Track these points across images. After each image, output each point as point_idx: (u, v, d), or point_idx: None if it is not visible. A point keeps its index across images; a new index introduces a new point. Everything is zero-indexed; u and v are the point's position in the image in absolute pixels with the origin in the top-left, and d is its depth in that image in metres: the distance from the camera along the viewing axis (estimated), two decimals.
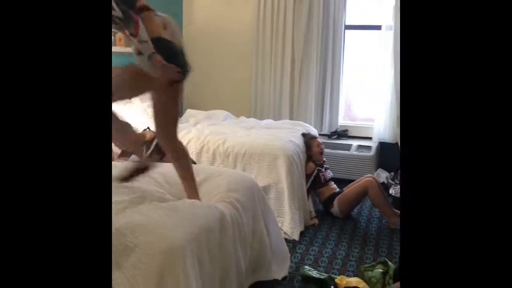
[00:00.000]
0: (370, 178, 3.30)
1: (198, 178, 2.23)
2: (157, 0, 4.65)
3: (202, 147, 3.35)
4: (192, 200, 1.98)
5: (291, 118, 4.53)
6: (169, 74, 1.82)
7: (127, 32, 1.87)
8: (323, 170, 3.44)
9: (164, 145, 2.09)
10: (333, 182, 3.48)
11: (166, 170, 2.30)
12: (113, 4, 1.76)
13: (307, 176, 3.34)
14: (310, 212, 3.28)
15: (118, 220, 1.64)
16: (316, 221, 3.25)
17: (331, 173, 3.54)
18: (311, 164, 3.40)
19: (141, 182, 2.06)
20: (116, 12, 1.78)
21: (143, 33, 1.81)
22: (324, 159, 3.54)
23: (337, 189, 3.43)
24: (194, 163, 2.93)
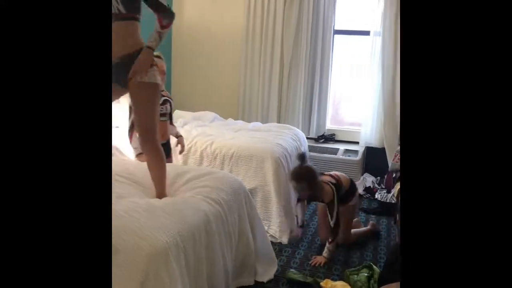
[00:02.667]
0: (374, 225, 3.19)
1: (184, 177, 2.22)
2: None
3: (190, 148, 3.34)
4: (174, 198, 1.96)
5: (278, 121, 4.54)
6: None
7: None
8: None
9: (142, 144, 2.08)
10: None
11: (133, 168, 2.30)
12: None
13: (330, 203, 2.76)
14: (296, 217, 3.01)
15: None
16: (299, 232, 2.97)
17: None
18: (329, 189, 2.77)
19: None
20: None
21: None
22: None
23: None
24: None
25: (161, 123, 2.74)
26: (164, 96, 2.80)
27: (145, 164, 2.11)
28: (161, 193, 2.05)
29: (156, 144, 2.04)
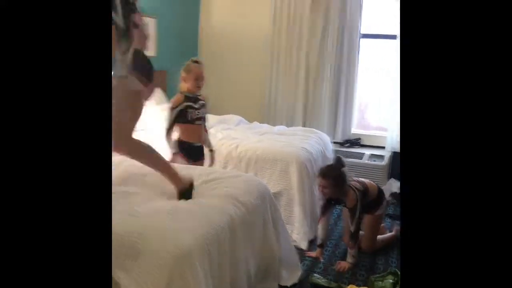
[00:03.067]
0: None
1: (210, 179, 2.24)
2: (176, 5, 4.72)
3: (215, 151, 3.36)
4: (199, 200, 1.96)
5: (304, 125, 4.52)
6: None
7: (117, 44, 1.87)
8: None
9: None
10: None
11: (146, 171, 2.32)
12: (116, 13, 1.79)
13: (353, 209, 2.74)
14: (315, 237, 2.88)
15: (126, 222, 1.65)
16: (318, 254, 2.77)
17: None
18: (353, 194, 2.75)
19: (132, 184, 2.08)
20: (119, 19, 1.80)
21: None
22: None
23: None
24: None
25: (197, 127, 2.78)
26: (201, 100, 2.83)
27: (185, 166, 2.10)
28: (176, 181, 2.00)
29: (130, 137, 1.99)
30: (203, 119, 2.88)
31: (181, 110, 2.72)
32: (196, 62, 2.77)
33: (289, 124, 4.56)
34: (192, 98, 2.76)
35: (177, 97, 2.77)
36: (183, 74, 2.77)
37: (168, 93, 4.53)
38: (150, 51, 4.25)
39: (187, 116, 2.74)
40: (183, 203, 1.92)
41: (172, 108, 2.73)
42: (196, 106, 2.77)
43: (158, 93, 4.27)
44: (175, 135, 2.81)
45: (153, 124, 3.69)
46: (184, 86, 2.77)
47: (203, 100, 2.88)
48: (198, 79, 2.75)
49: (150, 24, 4.20)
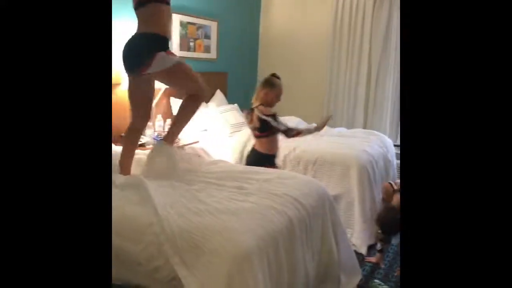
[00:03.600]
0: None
1: (270, 179, 2.24)
2: (237, 7, 4.79)
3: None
4: (260, 200, 1.97)
5: (365, 127, 4.41)
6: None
7: None
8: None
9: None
10: None
11: (224, 169, 2.37)
12: None
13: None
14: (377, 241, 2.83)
15: (191, 219, 1.69)
16: (378, 259, 2.74)
17: None
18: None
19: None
20: None
21: None
22: None
23: None
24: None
25: (275, 138, 2.82)
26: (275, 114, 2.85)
27: (234, 165, 2.16)
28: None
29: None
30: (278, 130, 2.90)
31: (267, 122, 2.72)
32: (278, 78, 2.80)
33: (350, 125, 4.47)
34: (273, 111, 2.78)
35: (265, 108, 2.75)
36: (266, 88, 2.76)
37: (229, 94, 4.61)
38: (211, 54, 4.35)
39: (269, 127, 2.74)
40: (245, 203, 1.91)
41: (268, 115, 2.71)
42: (276, 118, 2.80)
43: (218, 94, 4.35)
44: (252, 144, 2.87)
45: (214, 124, 3.77)
46: (265, 99, 2.76)
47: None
48: (280, 94, 2.78)
49: (212, 27, 4.30)
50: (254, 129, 2.78)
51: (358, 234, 2.92)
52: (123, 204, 1.85)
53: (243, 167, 2.60)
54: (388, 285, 2.39)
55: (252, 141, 3.00)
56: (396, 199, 2.74)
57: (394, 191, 2.82)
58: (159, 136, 3.16)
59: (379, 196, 3.12)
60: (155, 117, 3.42)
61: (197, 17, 4.09)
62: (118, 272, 1.81)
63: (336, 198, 2.98)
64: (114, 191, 1.97)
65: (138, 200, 1.89)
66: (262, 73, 5.16)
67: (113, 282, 1.84)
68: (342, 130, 4.09)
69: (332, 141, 3.57)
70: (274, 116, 2.74)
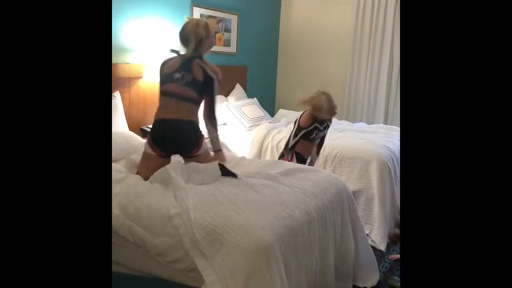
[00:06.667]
0: None
1: (288, 171, 2.23)
2: (257, 2, 4.77)
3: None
4: (280, 193, 1.95)
5: (385, 123, 4.36)
6: None
7: None
8: None
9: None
10: None
11: (250, 164, 2.35)
12: None
13: None
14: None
15: (210, 212, 1.70)
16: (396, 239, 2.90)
17: None
18: None
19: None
20: None
21: None
22: None
23: None
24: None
25: (312, 144, 2.83)
26: (328, 122, 2.87)
27: (263, 161, 2.15)
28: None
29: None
30: (322, 138, 2.90)
31: (308, 131, 2.74)
32: (325, 94, 2.78)
33: (370, 121, 4.42)
34: (320, 120, 2.77)
35: (307, 116, 2.76)
36: (322, 97, 2.75)
37: (249, 88, 4.60)
38: (231, 48, 4.35)
39: (309, 136, 2.76)
40: (265, 198, 1.91)
41: (302, 128, 2.73)
42: (321, 128, 2.79)
43: (238, 88, 4.35)
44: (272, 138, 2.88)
45: (233, 118, 3.77)
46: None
47: (330, 122, 2.88)
48: (334, 108, 2.74)
49: (232, 21, 4.29)
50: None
51: (377, 230, 2.89)
52: (149, 196, 1.87)
53: (261, 161, 2.59)
54: None
55: (271, 135, 2.98)
56: None
57: None
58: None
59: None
60: None
61: (217, 11, 4.09)
62: (140, 263, 1.83)
63: (356, 193, 2.95)
64: (147, 184, 2.02)
65: (163, 192, 1.90)
66: (282, 68, 5.14)
67: (134, 273, 1.87)
68: (363, 125, 4.05)
69: (353, 137, 3.54)
70: (321, 123, 2.78)
